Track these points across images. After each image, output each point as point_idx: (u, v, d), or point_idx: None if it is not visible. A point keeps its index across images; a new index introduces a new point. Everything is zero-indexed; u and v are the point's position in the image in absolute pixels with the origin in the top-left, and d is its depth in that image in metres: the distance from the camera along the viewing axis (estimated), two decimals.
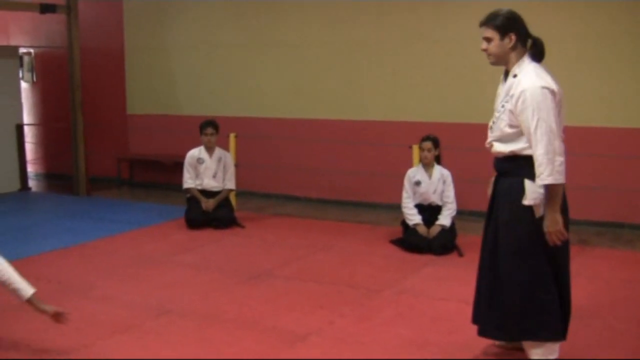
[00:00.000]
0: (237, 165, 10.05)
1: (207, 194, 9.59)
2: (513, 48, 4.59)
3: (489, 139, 4.83)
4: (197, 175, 9.64)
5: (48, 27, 13.43)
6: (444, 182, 8.36)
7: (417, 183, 8.42)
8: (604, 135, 9.36)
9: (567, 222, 4.65)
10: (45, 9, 11.70)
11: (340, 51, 11.05)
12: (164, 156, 12.39)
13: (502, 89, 4.75)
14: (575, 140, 9.23)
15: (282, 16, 11.50)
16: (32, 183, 13.38)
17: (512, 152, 4.63)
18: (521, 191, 4.56)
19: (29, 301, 5.13)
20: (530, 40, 4.65)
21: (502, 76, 4.79)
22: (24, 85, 13.96)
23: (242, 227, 9.49)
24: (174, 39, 12.63)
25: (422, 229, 8.24)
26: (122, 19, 13.14)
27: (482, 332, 5.04)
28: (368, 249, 8.39)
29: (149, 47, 12.91)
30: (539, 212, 4.56)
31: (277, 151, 11.66)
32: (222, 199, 9.61)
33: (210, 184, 9.64)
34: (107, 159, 13.11)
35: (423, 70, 10.37)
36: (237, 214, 9.75)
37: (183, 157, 9.77)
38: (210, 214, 9.42)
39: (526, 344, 4.87)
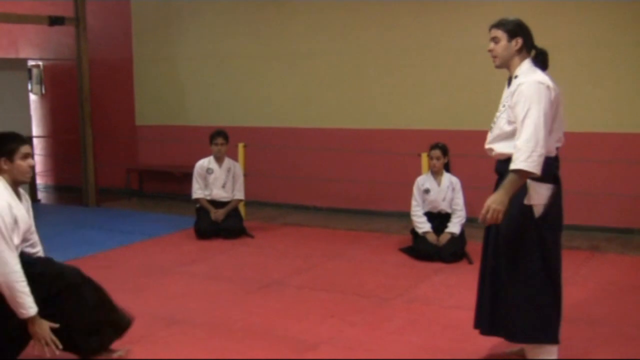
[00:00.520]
0: (246, 175, 10.06)
1: (217, 204, 9.59)
2: (518, 52, 4.70)
3: (488, 142, 4.88)
4: (207, 185, 9.65)
5: (57, 39, 13.49)
6: (453, 189, 8.35)
7: (427, 191, 8.41)
8: (614, 141, 9.34)
9: (560, 225, 4.82)
10: (54, 21, 11.74)
11: (348, 60, 11.06)
12: (173, 167, 12.41)
13: (506, 93, 4.81)
14: (586, 146, 9.26)
15: (291, 26, 11.52)
16: (41, 195, 13.42)
17: (511, 153, 4.63)
18: (521, 192, 4.60)
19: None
20: (535, 51, 4.76)
21: (507, 82, 4.84)
22: (32, 97, 14.01)
23: (252, 237, 9.49)
24: (183, 50, 12.66)
25: (431, 237, 8.23)
26: (131, 30, 13.18)
27: (485, 332, 5.07)
28: (378, 258, 8.38)
29: (157, 58, 12.94)
30: (538, 212, 4.63)
31: (286, 161, 11.66)
32: (231, 209, 9.60)
33: (219, 194, 9.64)
34: (117, 170, 13.14)
35: (432, 78, 10.37)
36: (246, 224, 9.74)
37: (192, 167, 9.78)
38: (220, 224, 9.42)
39: (526, 346, 4.93)
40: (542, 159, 4.45)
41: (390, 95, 10.76)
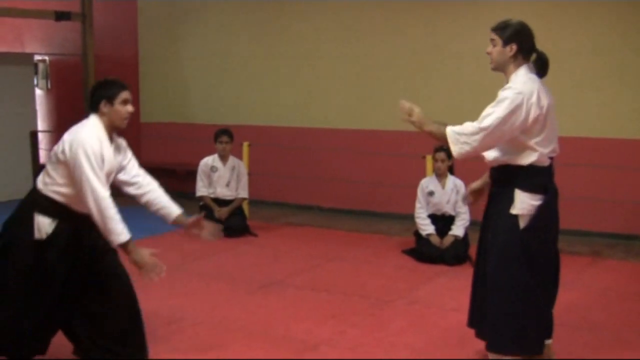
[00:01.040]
0: (250, 174, 10.06)
1: (220, 202, 9.60)
2: (513, 58, 4.63)
3: None
4: (210, 183, 9.65)
5: (63, 34, 13.48)
6: (457, 192, 8.34)
7: (431, 193, 8.41)
8: (617, 147, 9.32)
9: (550, 236, 4.76)
10: (60, 16, 11.75)
11: (353, 61, 11.06)
12: (177, 164, 12.39)
13: None
14: (589, 152, 9.26)
15: (297, 26, 11.52)
16: None
17: (502, 160, 4.66)
18: (510, 200, 4.58)
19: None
20: (535, 54, 4.70)
21: None
22: (38, 92, 14.01)
23: (255, 235, 9.49)
24: (188, 48, 12.67)
25: (435, 239, 8.22)
26: (137, 27, 13.19)
27: (478, 334, 5.02)
28: (380, 259, 8.37)
29: (163, 55, 12.95)
30: (523, 223, 4.57)
31: (290, 160, 11.66)
32: (235, 208, 9.61)
33: (223, 192, 9.64)
34: None
35: (436, 81, 10.36)
36: (249, 223, 9.75)
37: (196, 165, 9.78)
38: (223, 223, 9.41)
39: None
40: (466, 150, 4.55)
41: (395, 97, 10.60)
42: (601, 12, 9.31)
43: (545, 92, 4.57)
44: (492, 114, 4.47)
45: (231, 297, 6.87)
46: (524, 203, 4.56)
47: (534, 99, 4.46)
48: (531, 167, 4.57)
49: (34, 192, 4.87)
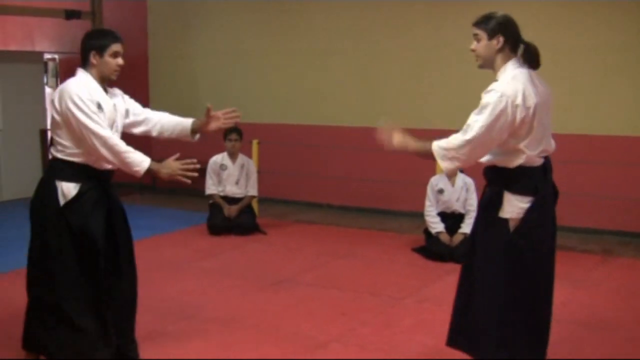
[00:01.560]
0: (259, 172, 10.06)
1: (230, 200, 9.59)
2: (499, 51, 4.44)
3: None
4: (220, 181, 9.65)
5: (73, 33, 13.48)
6: (467, 190, 8.33)
7: (440, 191, 8.39)
8: (630, 144, 9.28)
9: (544, 239, 4.55)
10: (70, 15, 11.77)
11: (364, 59, 11.05)
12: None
13: None
14: (601, 149, 9.23)
15: (307, 24, 11.51)
16: None
17: (490, 161, 4.50)
18: (499, 203, 4.39)
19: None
20: (523, 46, 4.48)
21: None
22: (48, 90, 14.02)
23: (264, 233, 9.49)
24: (198, 46, 12.67)
25: (444, 237, 8.21)
26: (146, 25, 13.20)
27: (450, 342, 4.86)
28: (390, 257, 8.36)
29: (172, 53, 12.95)
30: (513, 226, 4.37)
31: (299, 158, 11.66)
32: (244, 206, 9.60)
33: (232, 190, 9.64)
34: None
35: (447, 78, 10.34)
36: (259, 221, 9.75)
37: (205, 163, 9.76)
38: (233, 221, 9.41)
39: None
40: (456, 165, 4.39)
41: (406, 95, 10.73)
42: (604, 9, 9.29)
43: (535, 89, 4.34)
44: (476, 123, 4.28)
45: (241, 295, 6.87)
46: (512, 206, 4.36)
47: (519, 100, 4.24)
48: (520, 169, 4.36)
49: (51, 162, 4.83)
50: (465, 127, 4.34)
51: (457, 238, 8.16)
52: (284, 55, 11.77)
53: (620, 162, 9.23)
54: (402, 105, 10.75)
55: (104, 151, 4.60)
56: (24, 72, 12.47)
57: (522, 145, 4.31)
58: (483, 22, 4.48)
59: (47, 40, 14.33)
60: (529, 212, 4.35)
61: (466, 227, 8.19)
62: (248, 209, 9.70)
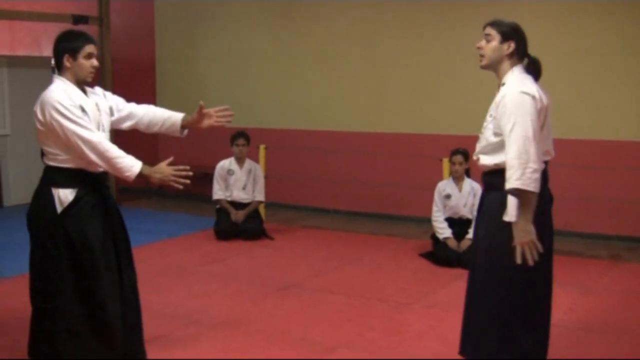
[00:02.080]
0: (266, 177, 10.05)
1: (237, 205, 9.58)
2: (509, 56, 4.44)
3: (475, 152, 4.64)
4: (227, 186, 9.64)
5: None
6: (475, 195, 8.30)
7: (448, 196, 8.38)
8: (637, 149, 9.26)
9: (550, 238, 4.51)
10: (78, 20, 11.77)
11: (371, 63, 11.04)
12: (194, 167, 12.29)
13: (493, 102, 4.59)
14: (609, 154, 9.21)
15: (314, 29, 11.52)
16: None
17: (496, 165, 4.42)
18: (502, 206, 4.29)
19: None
20: (527, 59, 4.49)
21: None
22: None
23: (271, 238, 9.48)
24: (205, 50, 12.69)
25: (452, 243, 8.19)
26: (154, 29, 13.22)
27: (461, 351, 4.84)
28: (397, 262, 8.35)
29: (179, 57, 12.97)
30: None
31: (306, 163, 11.65)
32: (251, 211, 9.59)
33: (239, 195, 9.63)
34: None
35: (454, 84, 10.33)
36: (266, 226, 9.74)
37: (213, 168, 9.78)
38: (240, 226, 9.41)
39: None
40: (537, 174, 4.14)
41: (413, 100, 10.73)
42: (609, 12, 9.28)
43: (542, 91, 4.36)
44: (518, 130, 4.18)
45: (249, 300, 6.86)
46: (516, 209, 4.25)
47: (535, 94, 4.26)
48: None
49: (45, 170, 4.80)
50: (512, 142, 4.20)
51: (465, 243, 8.14)
52: (291, 60, 11.78)
53: (628, 167, 9.21)
54: (410, 110, 10.75)
55: (93, 156, 4.58)
56: (31, 77, 12.48)
57: None
58: (498, 24, 4.48)
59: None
60: (533, 216, 4.28)
61: (473, 233, 8.17)
62: (255, 214, 9.69)
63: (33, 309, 4.82)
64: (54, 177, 4.72)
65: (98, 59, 4.81)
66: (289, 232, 9.96)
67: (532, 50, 4.50)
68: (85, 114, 4.64)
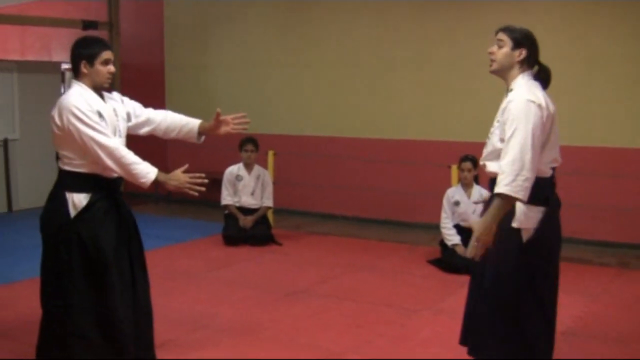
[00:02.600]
0: (275, 183, 10.06)
1: (245, 211, 9.59)
2: (519, 63, 4.42)
3: (482, 157, 4.61)
4: (235, 192, 9.65)
5: None
6: (484, 201, 8.30)
7: (456, 203, 8.37)
8: None
9: (553, 251, 4.48)
10: (88, 25, 11.83)
11: (379, 70, 11.04)
12: (202, 172, 12.34)
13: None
14: (618, 162, 9.19)
15: (323, 35, 11.53)
16: None
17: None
18: (510, 213, 4.31)
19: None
20: (538, 67, 4.48)
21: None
22: None
23: (279, 244, 9.48)
24: (214, 56, 12.71)
25: (460, 250, 8.18)
26: (163, 36, 13.25)
27: (470, 351, 4.80)
28: (406, 269, 8.34)
29: (188, 64, 13.00)
30: (526, 236, 4.32)
31: (315, 169, 11.66)
32: (259, 217, 9.60)
33: (248, 201, 9.64)
34: None
35: (463, 90, 10.32)
36: (274, 232, 9.74)
37: (221, 173, 9.79)
38: (248, 231, 9.41)
39: None
40: (528, 183, 4.14)
41: (421, 106, 10.73)
42: (609, 20, 9.29)
43: (549, 100, 4.34)
44: (518, 137, 4.18)
45: (256, 305, 6.86)
46: (525, 216, 4.30)
47: (542, 103, 4.24)
48: None
49: (59, 174, 4.81)
50: (509, 149, 4.20)
51: None
52: (300, 67, 11.79)
53: (638, 175, 9.18)
54: (419, 117, 10.74)
55: (109, 162, 4.60)
56: (41, 82, 12.52)
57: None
58: (510, 30, 4.47)
59: (64, 50, 14.33)
60: (542, 222, 4.33)
61: None
62: (263, 219, 9.70)
63: (43, 312, 4.83)
64: (68, 181, 4.73)
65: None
66: (297, 238, 9.96)
67: (540, 57, 4.49)
68: (102, 120, 4.66)
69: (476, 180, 8.41)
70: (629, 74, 9.23)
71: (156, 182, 4.76)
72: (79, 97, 4.64)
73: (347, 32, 11.29)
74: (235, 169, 9.69)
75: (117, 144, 4.66)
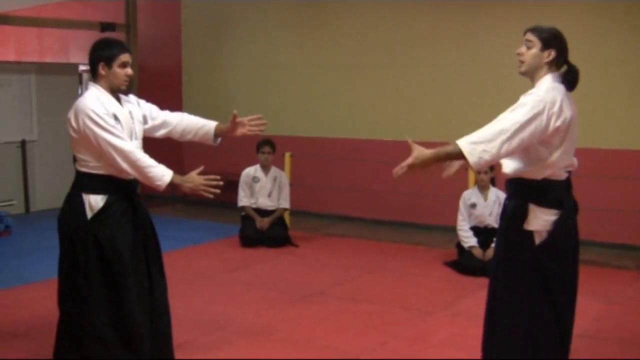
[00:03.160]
0: (291, 185, 10.06)
1: (262, 212, 9.60)
2: (548, 64, 4.36)
3: None
4: (252, 194, 9.66)
5: None
6: (500, 204, 8.25)
7: (473, 205, 8.35)
8: None
9: (569, 255, 4.41)
10: (105, 27, 11.87)
11: (395, 71, 11.02)
12: (219, 174, 12.30)
13: None
14: (635, 165, 9.13)
15: (340, 36, 11.52)
16: None
17: (515, 172, 4.41)
18: (523, 215, 4.32)
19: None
20: (566, 66, 4.41)
21: None
22: None
23: (296, 246, 9.49)
24: (232, 58, 12.72)
25: (477, 252, 8.16)
26: (180, 38, 13.28)
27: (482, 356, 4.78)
28: (422, 271, 8.33)
29: (206, 65, 13.02)
30: (539, 239, 4.30)
31: (331, 171, 11.65)
32: (276, 218, 9.60)
33: (265, 202, 9.64)
34: None
35: (480, 93, 10.28)
36: (291, 233, 9.74)
37: (238, 175, 9.79)
38: (265, 233, 9.42)
39: None
40: (487, 157, 4.23)
41: (437, 108, 10.70)
42: (632, 21, 9.22)
43: (570, 103, 4.28)
44: (508, 120, 4.24)
45: (273, 307, 6.87)
46: (538, 218, 4.28)
47: (555, 108, 4.17)
48: (545, 181, 4.29)
49: (76, 176, 4.82)
50: (496, 121, 4.30)
51: (490, 252, 8.08)
52: (317, 69, 11.79)
53: None
54: (435, 119, 10.72)
55: (125, 165, 4.62)
56: (59, 84, 12.58)
57: (554, 156, 4.25)
58: (539, 30, 4.42)
59: (82, 52, 14.42)
60: (555, 224, 4.29)
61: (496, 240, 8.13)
62: (280, 221, 9.70)
63: (60, 313, 4.84)
64: (85, 183, 4.74)
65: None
66: (313, 240, 9.96)
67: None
68: (118, 123, 4.67)
69: (493, 182, 8.39)
70: None
71: (172, 185, 4.77)
72: (95, 100, 4.65)
73: (364, 34, 11.28)
74: (252, 171, 9.70)
75: (133, 147, 4.68)
